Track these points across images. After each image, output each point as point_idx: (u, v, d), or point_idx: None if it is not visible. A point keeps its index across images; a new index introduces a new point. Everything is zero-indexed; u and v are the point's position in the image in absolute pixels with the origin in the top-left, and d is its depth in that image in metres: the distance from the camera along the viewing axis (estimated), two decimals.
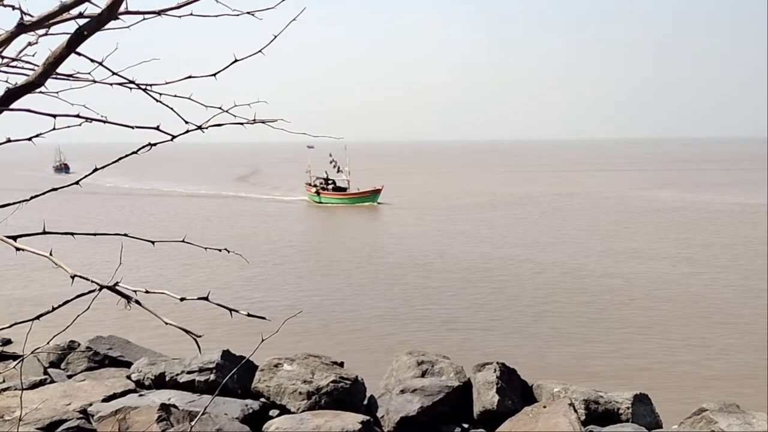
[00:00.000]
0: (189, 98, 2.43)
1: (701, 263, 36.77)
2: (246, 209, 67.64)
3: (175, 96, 2.41)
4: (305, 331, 24.26)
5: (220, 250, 2.51)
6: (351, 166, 75.68)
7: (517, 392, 13.94)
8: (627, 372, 20.34)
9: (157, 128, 2.17)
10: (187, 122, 2.28)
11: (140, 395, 13.98)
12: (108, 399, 13.73)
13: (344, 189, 73.96)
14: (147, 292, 2.06)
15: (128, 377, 15.09)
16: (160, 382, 14.54)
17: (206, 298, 2.07)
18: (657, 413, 13.65)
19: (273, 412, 13.60)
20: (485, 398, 13.55)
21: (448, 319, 26.41)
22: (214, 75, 2.30)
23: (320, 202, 72.95)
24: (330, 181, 74.44)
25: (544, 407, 12.37)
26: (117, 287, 1.93)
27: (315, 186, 74.52)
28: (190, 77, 2.30)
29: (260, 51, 2.22)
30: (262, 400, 13.87)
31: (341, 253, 41.31)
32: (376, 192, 71.22)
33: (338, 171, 74.78)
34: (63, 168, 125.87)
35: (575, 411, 12.11)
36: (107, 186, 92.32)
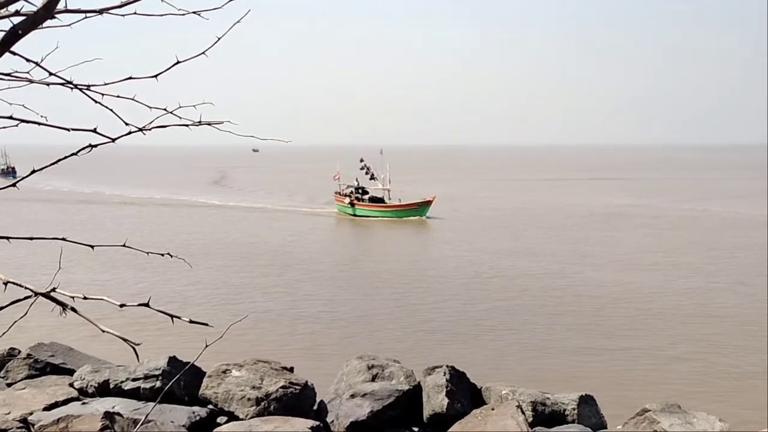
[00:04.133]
0: (132, 99, 2.38)
1: (659, 270, 37.66)
2: (269, 221, 60.16)
3: (118, 96, 2.36)
4: (257, 337, 24.04)
5: (162, 255, 2.46)
6: (392, 173, 66.32)
7: (466, 395, 14.03)
8: (574, 374, 20.71)
9: (94, 130, 2.12)
10: (127, 124, 2.23)
11: (83, 403, 13.62)
12: (49, 407, 13.33)
13: (381, 200, 64.74)
14: (85, 298, 2.01)
15: (71, 385, 14.67)
16: (104, 389, 14.18)
17: (147, 305, 2.03)
18: (602, 414, 13.92)
19: (221, 419, 13.40)
20: (435, 401, 13.60)
21: (401, 324, 26.48)
22: (156, 76, 2.26)
23: (354, 215, 63.44)
24: (361, 190, 65.40)
25: (493, 409, 12.50)
26: (52, 294, 1.87)
27: (348, 196, 64.94)
28: (130, 78, 2.25)
29: (203, 53, 2.19)
30: (210, 407, 13.65)
31: (326, 262, 40.26)
32: (425, 204, 61.24)
33: (372, 179, 65.99)
34: (9, 171, 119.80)
35: (523, 413, 12.27)
36: (63, 191, 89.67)
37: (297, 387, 13.63)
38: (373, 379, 14.56)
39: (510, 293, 31.45)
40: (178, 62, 2.19)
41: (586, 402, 13.67)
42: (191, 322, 2.02)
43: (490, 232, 51.98)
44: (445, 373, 13.91)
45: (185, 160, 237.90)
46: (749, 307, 28.88)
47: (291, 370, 14.56)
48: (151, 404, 13.40)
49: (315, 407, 13.97)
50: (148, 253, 2.48)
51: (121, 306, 2.02)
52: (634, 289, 32.35)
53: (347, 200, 64.76)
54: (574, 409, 13.35)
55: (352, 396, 13.74)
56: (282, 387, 13.45)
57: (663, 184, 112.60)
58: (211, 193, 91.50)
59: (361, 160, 65.56)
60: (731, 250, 43.69)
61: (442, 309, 28.60)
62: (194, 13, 2.26)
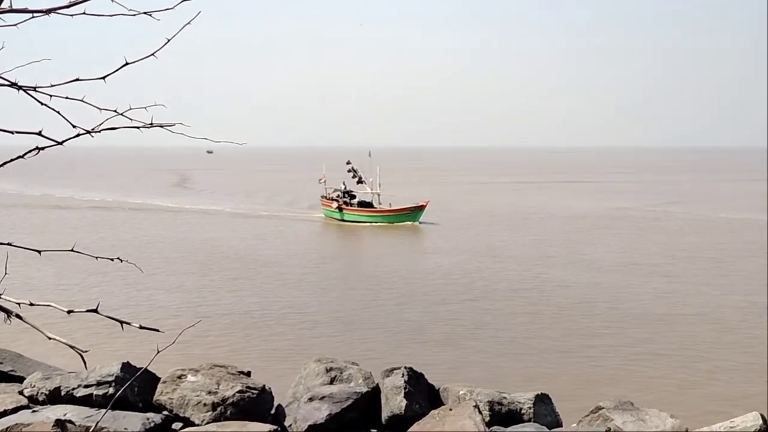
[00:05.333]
0: (81, 100, 2.33)
1: (609, 270, 38.32)
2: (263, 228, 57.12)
3: (67, 98, 2.31)
4: (215, 341, 23.77)
5: (112, 260, 2.42)
6: (382, 177, 62.85)
7: (424, 396, 14.09)
8: (532, 374, 20.96)
9: (40, 133, 2.07)
10: (75, 126, 2.18)
11: (33, 411, 13.28)
12: None
13: (370, 204, 61.75)
14: (32, 304, 1.96)
15: (21, 393, 14.29)
16: (55, 397, 13.85)
17: (95, 310, 1.99)
18: (557, 412, 14.12)
19: (176, 425, 13.21)
20: (393, 403, 13.63)
21: (358, 327, 26.46)
22: (104, 78, 2.22)
23: (342, 220, 60.75)
24: (348, 194, 62.74)
25: (450, 410, 12.58)
26: None
27: (336, 200, 62.11)
28: (77, 80, 2.20)
29: (153, 54, 2.15)
30: (165, 413, 13.45)
31: (296, 266, 39.30)
32: (418, 209, 58.74)
33: (359, 182, 62.80)
34: None
35: (480, 412, 12.37)
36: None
37: (254, 391, 13.51)
38: (332, 381, 14.52)
39: (475, 295, 31.69)
40: (127, 63, 2.15)
41: (542, 401, 13.85)
42: (141, 327, 1.98)
43: (471, 237, 51.43)
44: (403, 375, 13.94)
45: (140, 161, 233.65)
46: (712, 306, 29.57)
47: (248, 374, 14.44)
48: (104, 411, 13.14)
49: (273, 411, 13.87)
50: (96, 257, 2.43)
51: (69, 312, 1.98)
52: (598, 290, 32.81)
53: (335, 205, 62.08)
54: (530, 408, 13.51)
55: (310, 399, 13.68)
56: (239, 391, 13.32)
57: (646, 186, 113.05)
58: (177, 196, 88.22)
59: (348, 163, 62.47)
60: (693, 250, 44.76)
61: (404, 311, 28.67)
62: (145, 13, 2.23)
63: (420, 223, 58.46)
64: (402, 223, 58.38)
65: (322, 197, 65.09)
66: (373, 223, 59.47)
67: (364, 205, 61.86)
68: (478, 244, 47.31)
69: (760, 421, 11.51)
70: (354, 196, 62.80)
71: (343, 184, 62.95)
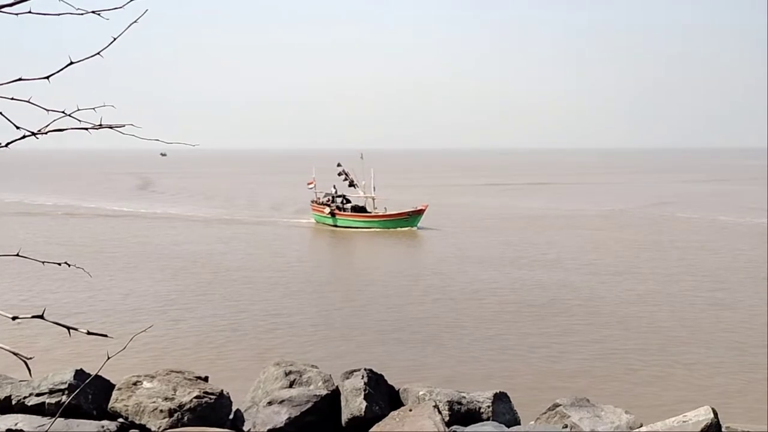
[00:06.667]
0: (28, 101, 2.27)
1: (562, 269, 38.90)
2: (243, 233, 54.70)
3: (13, 99, 2.24)
4: (172, 347, 23.43)
5: (59, 264, 2.36)
6: (376, 180, 59.61)
7: (384, 397, 14.09)
8: (492, 373, 21.14)
9: None
10: (18, 127, 2.12)
11: None
12: None
13: (364, 209, 59.31)
14: None
15: None
16: (5, 406, 13.48)
17: (41, 316, 1.94)
18: (515, 410, 14.26)
19: None
20: (353, 405, 13.60)
21: (319, 330, 26.35)
22: (48, 77, 2.16)
23: (335, 226, 57.89)
24: (342, 197, 59.98)
25: (410, 410, 12.61)
26: None
27: (328, 205, 59.16)
28: (20, 79, 2.14)
29: (99, 53, 2.11)
30: (120, 420, 13.19)
31: (263, 271, 38.48)
32: (416, 213, 56.03)
33: (351, 186, 60.22)
34: None
35: (440, 412, 12.43)
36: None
37: (212, 396, 13.34)
38: (291, 385, 14.41)
39: (438, 296, 31.79)
40: (72, 63, 2.10)
41: (501, 399, 13.98)
42: (89, 333, 1.94)
43: (467, 242, 49.97)
44: (362, 377, 13.92)
45: (91, 165, 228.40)
46: (675, 303, 30.14)
47: (205, 379, 14.25)
48: (57, 420, 12.83)
49: (231, 416, 13.72)
50: (44, 262, 2.37)
51: (14, 318, 1.92)
52: (569, 289, 33.15)
53: (327, 210, 59.02)
54: (488, 406, 13.62)
55: (270, 403, 13.57)
56: (196, 397, 13.14)
57: (618, 188, 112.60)
58: (146, 201, 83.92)
59: (339, 165, 59.42)
60: (652, 246, 45.68)
61: (365, 313, 28.63)
62: (93, 12, 2.18)
63: (419, 228, 55.83)
64: (400, 229, 55.78)
65: (313, 202, 62.30)
66: (369, 229, 56.80)
67: (358, 209, 59.41)
68: (472, 249, 45.97)
69: (711, 415, 11.81)
70: (349, 200, 60.15)
71: (334, 187, 60.60)
